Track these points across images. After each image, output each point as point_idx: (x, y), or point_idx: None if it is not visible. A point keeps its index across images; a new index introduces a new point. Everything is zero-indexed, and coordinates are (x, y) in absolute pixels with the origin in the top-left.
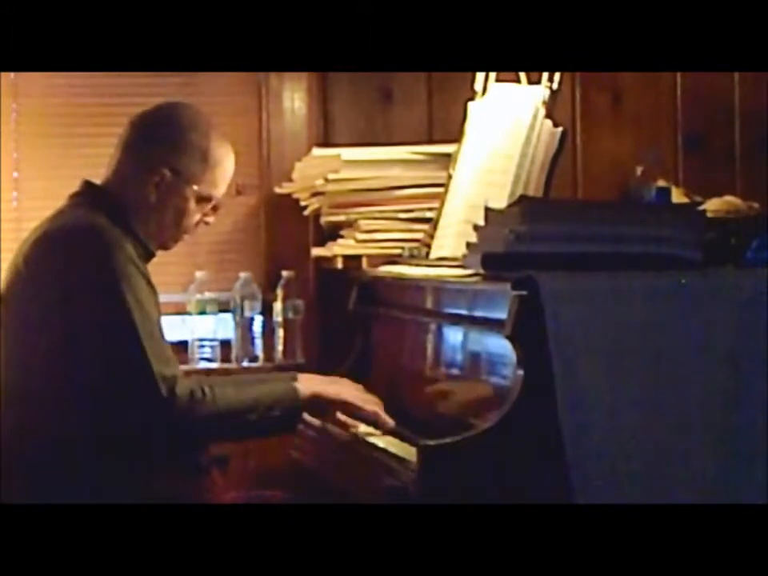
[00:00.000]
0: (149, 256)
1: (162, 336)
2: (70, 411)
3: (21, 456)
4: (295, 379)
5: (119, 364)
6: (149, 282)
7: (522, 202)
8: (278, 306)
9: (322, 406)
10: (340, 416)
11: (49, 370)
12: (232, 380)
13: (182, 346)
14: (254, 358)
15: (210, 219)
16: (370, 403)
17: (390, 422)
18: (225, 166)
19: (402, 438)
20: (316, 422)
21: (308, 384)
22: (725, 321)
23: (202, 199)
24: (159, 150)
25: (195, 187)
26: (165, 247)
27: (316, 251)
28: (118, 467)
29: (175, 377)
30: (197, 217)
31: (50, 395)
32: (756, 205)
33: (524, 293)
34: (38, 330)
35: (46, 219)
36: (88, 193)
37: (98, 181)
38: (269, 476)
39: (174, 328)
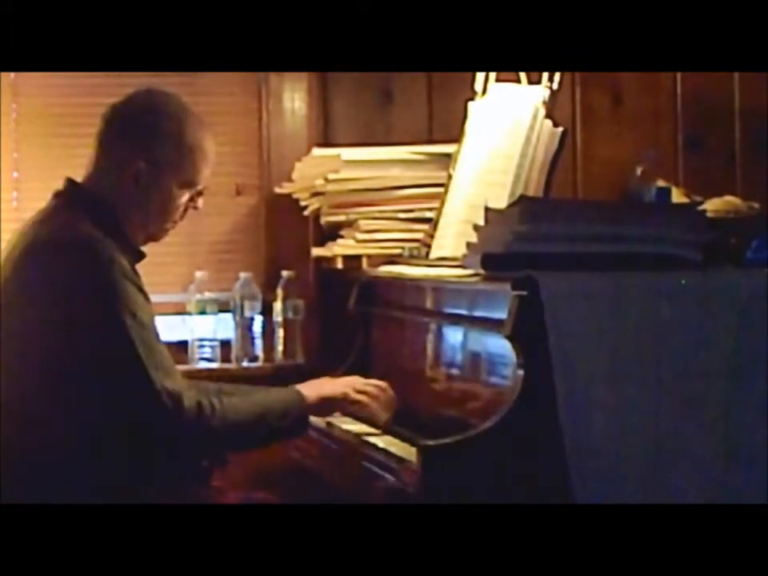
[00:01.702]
0: (139, 258)
1: (162, 348)
2: (66, 425)
3: (16, 468)
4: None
5: (120, 381)
6: (143, 293)
7: (521, 202)
8: (277, 305)
9: (330, 406)
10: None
11: (43, 381)
12: (237, 390)
13: (181, 346)
14: (254, 358)
15: (198, 204)
16: (372, 395)
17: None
18: (203, 149)
19: (402, 438)
20: (319, 423)
21: (312, 388)
22: (725, 321)
23: (185, 185)
24: (132, 142)
25: (175, 174)
26: (154, 239)
27: (316, 251)
28: (118, 473)
29: (179, 389)
30: (182, 204)
31: (45, 407)
32: (756, 205)
33: (524, 293)
34: (30, 346)
35: (31, 222)
36: (71, 192)
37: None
38: (269, 476)
39: (173, 328)
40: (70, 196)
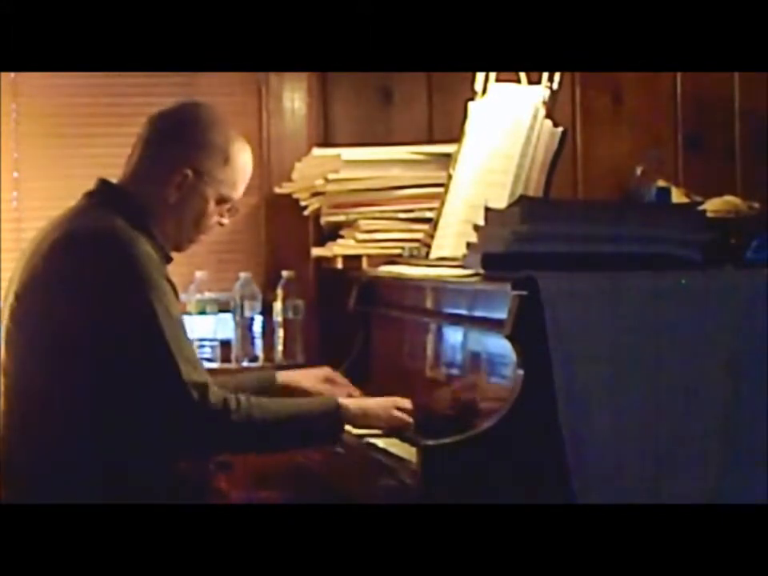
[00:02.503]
0: (167, 261)
1: (190, 343)
2: (80, 413)
3: (25, 456)
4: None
5: (147, 370)
6: (172, 287)
7: (521, 202)
8: (277, 305)
9: (370, 420)
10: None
11: (67, 373)
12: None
13: None
14: (254, 358)
15: (225, 220)
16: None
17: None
18: (245, 168)
19: (402, 438)
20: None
21: (354, 400)
22: (725, 321)
23: (221, 200)
24: (181, 150)
25: (216, 188)
26: (179, 249)
27: (316, 251)
28: (125, 468)
29: (206, 383)
30: (214, 218)
31: (64, 396)
32: (756, 205)
33: (524, 293)
34: (57, 334)
35: (62, 218)
36: (105, 192)
37: (113, 179)
38: (271, 476)
39: None
40: (103, 195)
